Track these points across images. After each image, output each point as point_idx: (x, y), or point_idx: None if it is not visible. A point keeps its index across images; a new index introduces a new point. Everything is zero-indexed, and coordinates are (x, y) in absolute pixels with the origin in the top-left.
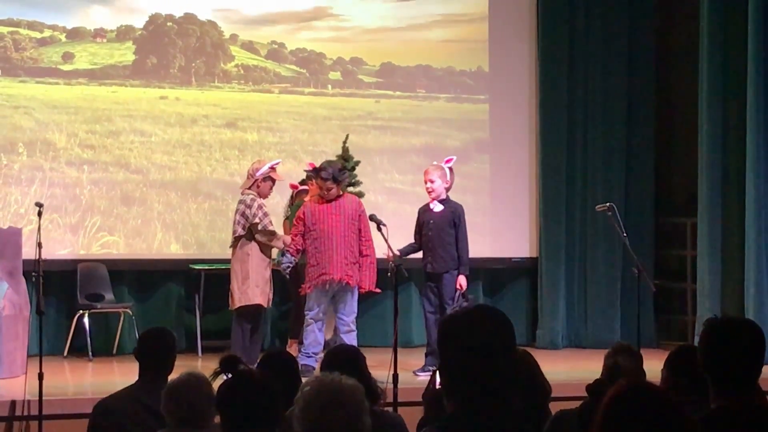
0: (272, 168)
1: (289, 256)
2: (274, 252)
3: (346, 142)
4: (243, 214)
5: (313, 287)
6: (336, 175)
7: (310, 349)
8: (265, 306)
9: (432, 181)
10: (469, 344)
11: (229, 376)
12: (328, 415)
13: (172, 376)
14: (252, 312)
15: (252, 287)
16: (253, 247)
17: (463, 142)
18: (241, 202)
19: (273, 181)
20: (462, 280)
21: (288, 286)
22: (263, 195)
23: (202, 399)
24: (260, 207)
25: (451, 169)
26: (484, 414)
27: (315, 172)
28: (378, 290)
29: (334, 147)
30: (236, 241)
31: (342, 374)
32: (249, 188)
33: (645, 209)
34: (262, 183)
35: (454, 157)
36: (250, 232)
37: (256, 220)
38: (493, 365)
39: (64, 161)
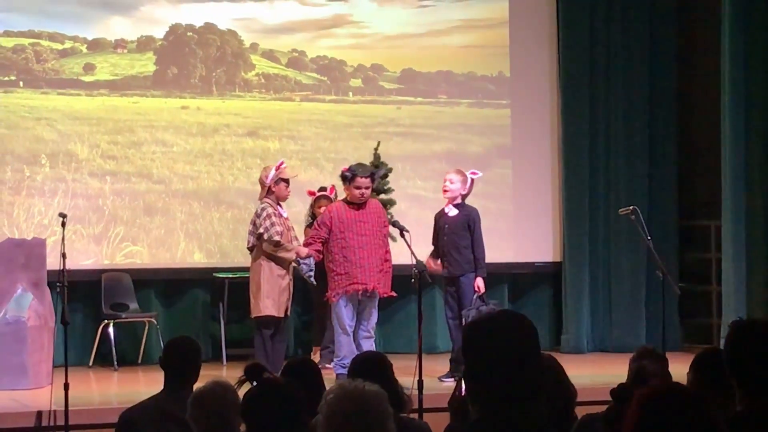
0: (278, 168)
1: (308, 260)
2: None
3: (377, 148)
4: (254, 224)
5: (340, 296)
6: (375, 174)
7: (347, 360)
8: (280, 315)
9: (451, 182)
10: (493, 350)
11: (254, 384)
12: (351, 422)
13: (198, 385)
14: (269, 321)
15: (263, 299)
16: (265, 257)
17: (485, 147)
18: (255, 212)
19: (286, 181)
20: (479, 282)
21: (311, 294)
22: (282, 197)
23: (228, 407)
24: (268, 216)
25: (472, 180)
26: (510, 420)
27: (351, 173)
28: (394, 294)
29: (356, 154)
30: (251, 251)
31: (367, 381)
32: (266, 196)
33: (668, 212)
34: (275, 187)
35: (480, 173)
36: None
37: (261, 230)
38: (518, 371)
39: (86, 172)
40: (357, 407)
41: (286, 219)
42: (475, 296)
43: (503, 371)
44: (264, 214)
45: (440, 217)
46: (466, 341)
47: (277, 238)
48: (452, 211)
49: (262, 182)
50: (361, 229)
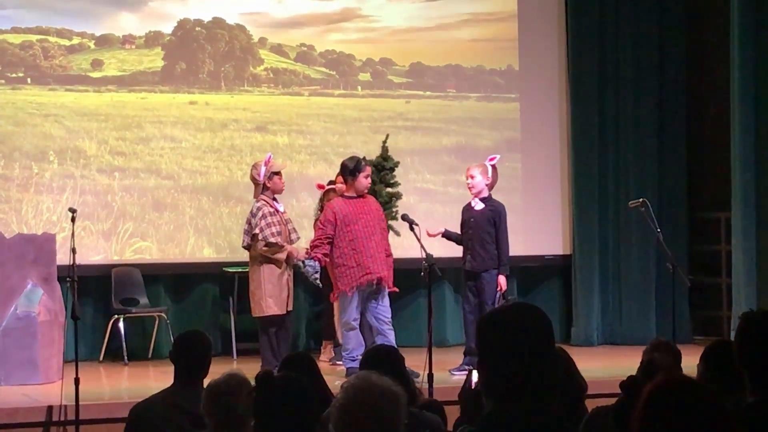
0: (267, 163)
1: (313, 262)
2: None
3: (386, 141)
4: (249, 223)
5: (354, 289)
6: (377, 164)
7: (355, 352)
8: (283, 312)
9: (472, 177)
10: (507, 342)
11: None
12: (364, 414)
13: (208, 380)
14: (273, 319)
15: (265, 298)
16: (264, 256)
17: (494, 141)
18: (251, 210)
19: (278, 174)
20: (502, 280)
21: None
22: (278, 191)
23: (242, 401)
24: (263, 217)
25: (494, 167)
26: (523, 413)
27: (357, 163)
28: (396, 289)
29: (364, 148)
30: (247, 249)
31: (382, 374)
32: (262, 193)
33: (678, 204)
34: (270, 182)
35: (498, 156)
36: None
37: (257, 230)
38: (532, 363)
39: (95, 168)
40: (371, 399)
41: (284, 213)
42: (498, 295)
43: (517, 364)
44: (260, 214)
45: (466, 210)
46: (480, 333)
47: (272, 239)
48: (478, 205)
49: (254, 180)
50: (365, 221)
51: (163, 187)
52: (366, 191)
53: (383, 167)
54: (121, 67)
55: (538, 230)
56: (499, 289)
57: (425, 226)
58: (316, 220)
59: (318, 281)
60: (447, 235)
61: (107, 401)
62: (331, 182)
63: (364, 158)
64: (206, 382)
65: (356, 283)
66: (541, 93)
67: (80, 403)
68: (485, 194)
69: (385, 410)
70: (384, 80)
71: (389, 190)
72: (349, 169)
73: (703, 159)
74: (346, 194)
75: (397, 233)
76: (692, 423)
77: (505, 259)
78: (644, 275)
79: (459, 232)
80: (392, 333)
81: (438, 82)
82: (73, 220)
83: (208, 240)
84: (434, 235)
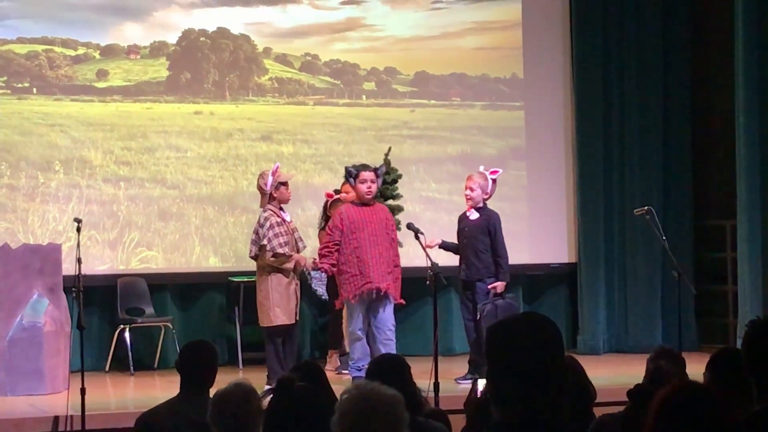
0: (275, 173)
1: (320, 273)
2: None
3: (388, 154)
4: (256, 233)
5: (357, 297)
6: (378, 170)
7: (361, 362)
8: (290, 322)
9: (472, 189)
10: (516, 351)
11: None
12: (362, 423)
13: (214, 389)
14: (280, 329)
15: (273, 308)
16: (272, 265)
17: (499, 149)
18: (258, 221)
19: (285, 183)
20: (498, 285)
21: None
22: (284, 201)
23: (248, 411)
24: (271, 227)
25: (494, 180)
26: (532, 422)
27: (355, 169)
28: (403, 301)
29: (369, 157)
30: (255, 259)
31: (384, 383)
32: (268, 203)
33: (683, 212)
34: (276, 192)
35: (500, 170)
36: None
37: (264, 241)
38: (542, 372)
39: (100, 178)
40: (370, 408)
41: (290, 222)
42: (491, 293)
43: (526, 373)
44: (267, 224)
45: (462, 219)
46: (489, 342)
47: (280, 250)
48: (473, 215)
49: (261, 190)
50: (371, 230)
51: (168, 197)
52: (369, 197)
53: (384, 181)
54: (126, 77)
55: (543, 238)
56: (492, 287)
57: (430, 234)
58: (320, 230)
59: (324, 296)
60: (444, 246)
61: (113, 411)
62: (337, 191)
63: (377, 167)
64: (212, 391)
65: (358, 291)
66: (546, 101)
67: (86, 413)
68: (480, 205)
69: (383, 420)
70: (389, 89)
71: (390, 202)
72: (345, 178)
73: (709, 167)
74: (354, 201)
75: (400, 243)
76: (704, 430)
77: (505, 267)
78: (650, 283)
79: (455, 241)
80: (392, 343)
81: (443, 90)
82: (78, 230)
83: (213, 249)
84: (431, 246)
